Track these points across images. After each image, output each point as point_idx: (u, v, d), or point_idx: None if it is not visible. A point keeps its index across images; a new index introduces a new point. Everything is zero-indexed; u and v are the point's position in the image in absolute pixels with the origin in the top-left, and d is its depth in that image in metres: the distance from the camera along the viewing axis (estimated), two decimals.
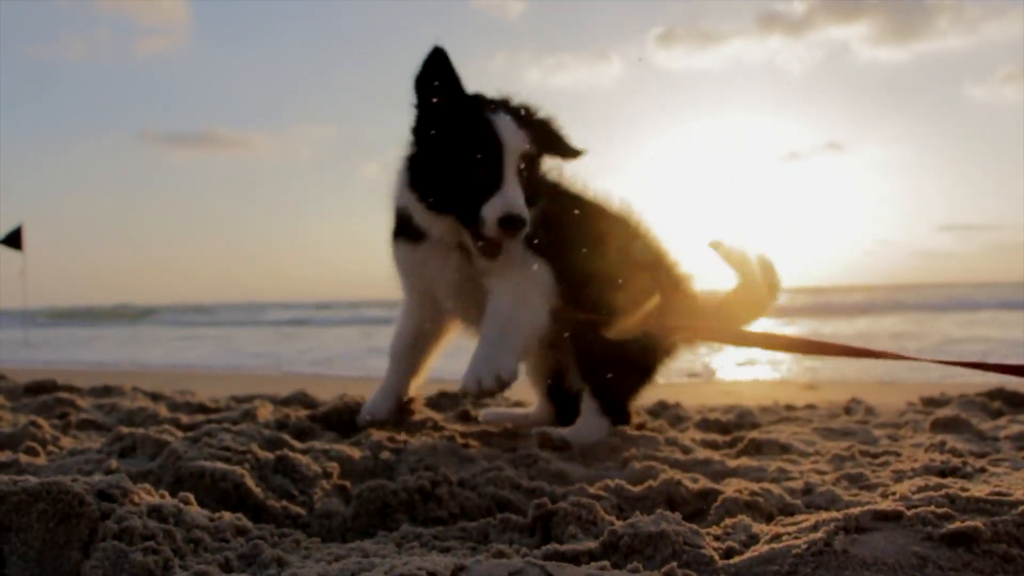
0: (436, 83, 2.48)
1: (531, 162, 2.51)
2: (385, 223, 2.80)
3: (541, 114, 2.59)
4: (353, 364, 9.98)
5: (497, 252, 2.47)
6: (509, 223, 2.36)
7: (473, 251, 2.51)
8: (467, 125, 2.45)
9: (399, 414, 2.94)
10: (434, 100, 2.49)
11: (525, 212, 2.38)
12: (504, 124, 2.44)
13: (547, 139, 2.58)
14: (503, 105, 2.53)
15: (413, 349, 2.94)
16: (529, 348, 2.63)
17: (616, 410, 2.76)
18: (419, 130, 2.54)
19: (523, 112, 2.54)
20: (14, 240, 13.86)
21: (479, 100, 2.52)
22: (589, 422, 2.70)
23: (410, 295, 2.87)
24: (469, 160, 2.41)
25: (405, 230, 2.68)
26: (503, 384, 2.44)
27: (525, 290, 2.58)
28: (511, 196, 2.38)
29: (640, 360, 2.77)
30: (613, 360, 2.66)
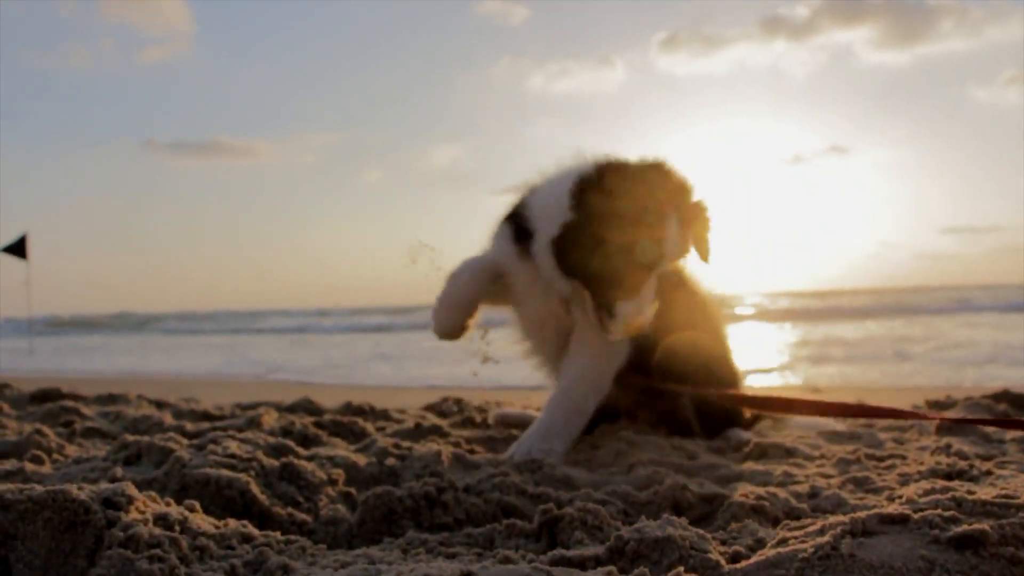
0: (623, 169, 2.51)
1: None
2: (502, 207, 2.81)
3: (706, 211, 2.61)
4: (357, 371, 9.99)
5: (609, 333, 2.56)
6: (633, 329, 2.50)
7: (577, 307, 2.66)
8: (635, 221, 2.44)
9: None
10: (613, 179, 2.48)
11: (648, 319, 2.51)
12: (670, 234, 2.46)
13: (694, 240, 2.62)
14: (676, 199, 2.51)
15: (480, 282, 2.83)
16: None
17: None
18: (585, 199, 2.48)
19: (692, 208, 2.56)
20: (19, 249, 13.90)
21: (656, 188, 2.48)
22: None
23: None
24: (625, 260, 2.45)
25: (523, 240, 2.68)
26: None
27: (599, 363, 2.72)
28: (644, 304, 2.48)
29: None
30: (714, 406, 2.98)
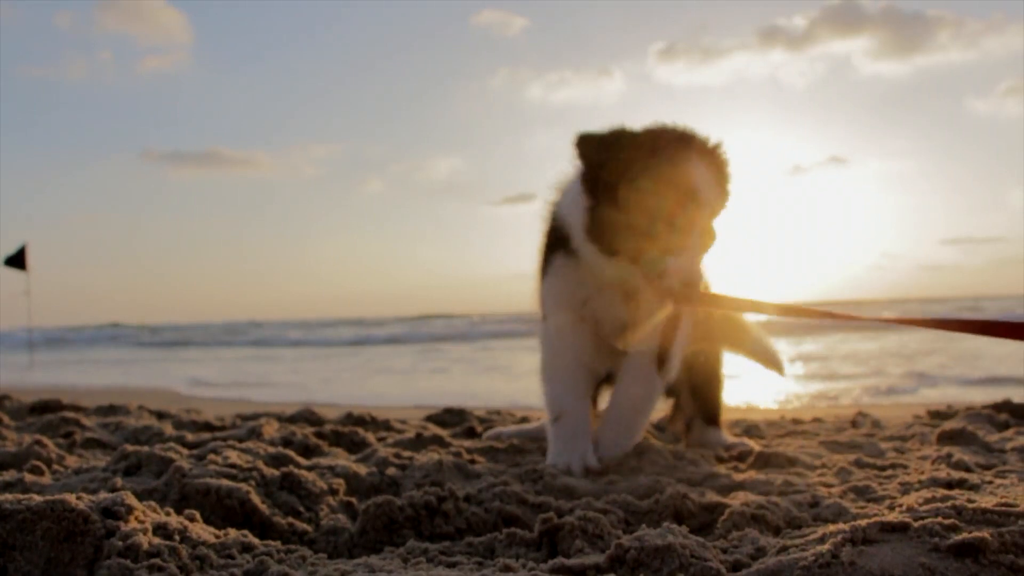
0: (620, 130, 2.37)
1: (711, 216, 2.40)
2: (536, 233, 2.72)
3: (727, 164, 2.47)
4: (358, 383, 9.98)
5: (670, 301, 2.44)
6: (688, 288, 2.34)
7: (640, 293, 2.48)
8: (664, 171, 2.29)
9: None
10: (625, 137, 2.35)
11: (702, 277, 2.38)
12: (702, 178, 2.32)
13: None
14: (698, 147, 2.37)
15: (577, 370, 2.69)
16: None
17: (719, 423, 3.14)
18: (603, 173, 2.35)
19: (717, 158, 2.42)
20: (18, 260, 13.92)
21: (674, 138, 2.36)
22: (716, 436, 3.07)
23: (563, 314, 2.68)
24: (661, 214, 2.29)
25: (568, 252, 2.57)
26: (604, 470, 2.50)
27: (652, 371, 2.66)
28: (693, 260, 2.34)
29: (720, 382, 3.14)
30: (715, 389, 3.09)
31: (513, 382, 9.18)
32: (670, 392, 3.13)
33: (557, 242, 2.59)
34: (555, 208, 2.63)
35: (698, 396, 3.08)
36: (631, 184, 2.30)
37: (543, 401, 2.72)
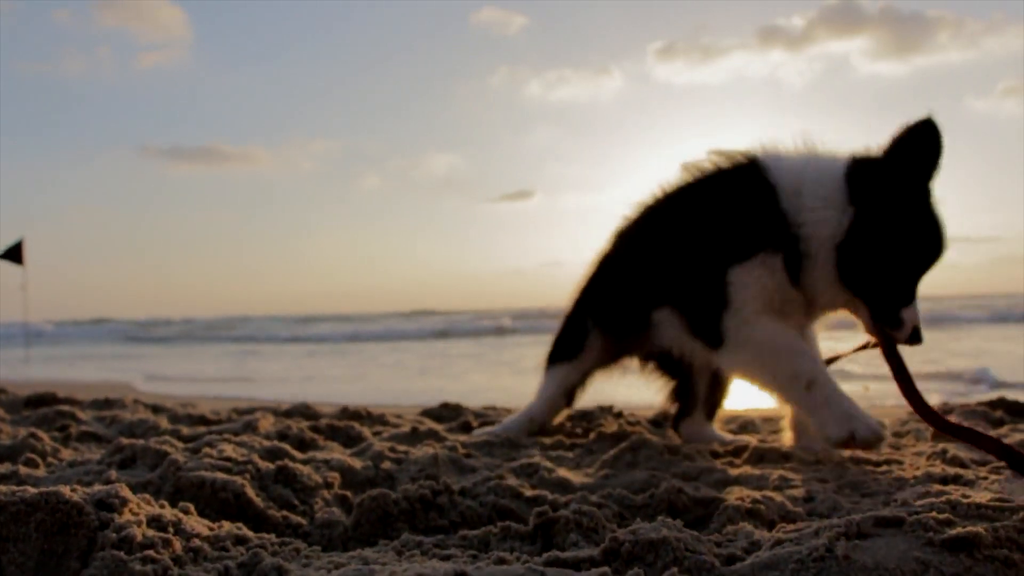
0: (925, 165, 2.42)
1: None
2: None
3: None
4: (354, 379, 9.97)
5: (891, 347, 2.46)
6: (916, 337, 2.42)
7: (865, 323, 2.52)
8: (935, 223, 2.40)
9: None
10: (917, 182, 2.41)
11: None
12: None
13: None
14: None
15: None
16: None
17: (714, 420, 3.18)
18: (882, 213, 2.38)
19: None
20: (15, 254, 13.89)
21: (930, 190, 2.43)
22: (712, 431, 3.12)
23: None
24: (920, 262, 2.41)
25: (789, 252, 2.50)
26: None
27: None
28: (918, 310, 2.42)
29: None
30: (727, 388, 3.13)
31: (510, 378, 9.19)
32: (678, 373, 3.14)
33: (781, 235, 2.48)
34: (787, 197, 2.50)
35: (712, 390, 3.10)
36: (912, 225, 2.37)
37: (776, 375, 2.49)
